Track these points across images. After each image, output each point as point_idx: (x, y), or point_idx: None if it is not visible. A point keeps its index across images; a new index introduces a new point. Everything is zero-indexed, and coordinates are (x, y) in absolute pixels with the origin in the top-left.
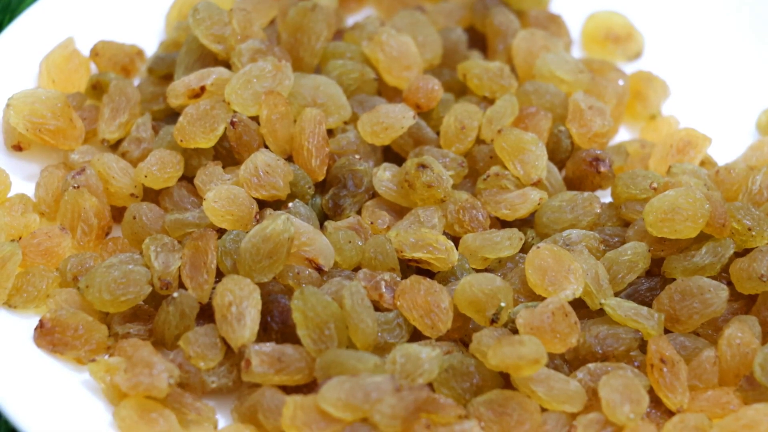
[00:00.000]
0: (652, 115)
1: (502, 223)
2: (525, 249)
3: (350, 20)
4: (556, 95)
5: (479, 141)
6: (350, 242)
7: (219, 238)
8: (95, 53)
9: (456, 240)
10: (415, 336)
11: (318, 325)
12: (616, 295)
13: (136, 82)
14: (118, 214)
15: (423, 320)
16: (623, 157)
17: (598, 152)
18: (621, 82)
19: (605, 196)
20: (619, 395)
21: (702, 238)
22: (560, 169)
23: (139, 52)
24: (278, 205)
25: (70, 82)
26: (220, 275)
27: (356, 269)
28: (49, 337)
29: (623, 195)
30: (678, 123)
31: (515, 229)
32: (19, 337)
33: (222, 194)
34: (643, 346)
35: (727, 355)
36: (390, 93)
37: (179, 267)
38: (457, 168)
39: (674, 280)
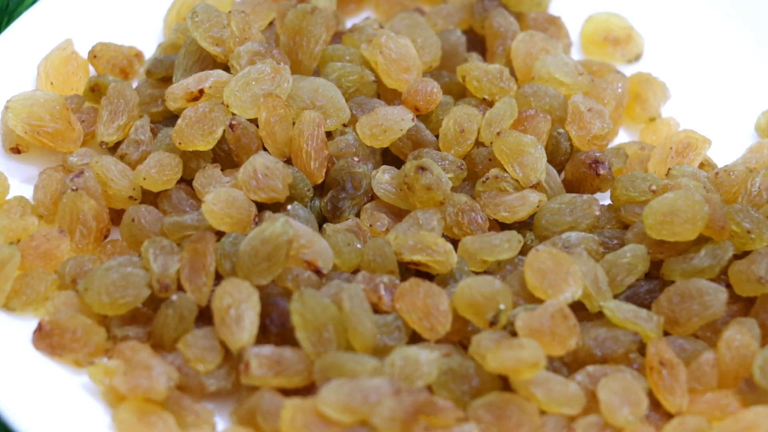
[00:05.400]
0: (652, 117)
1: (501, 226)
2: (524, 251)
3: (349, 23)
4: (556, 97)
5: (478, 143)
6: (349, 245)
7: (218, 240)
8: (93, 55)
9: (455, 242)
10: (414, 338)
11: (317, 328)
12: (616, 297)
13: (134, 84)
14: (116, 216)
15: (422, 323)
16: (622, 159)
17: (598, 155)
18: (620, 85)
19: (604, 199)
20: (618, 398)
21: (701, 241)
22: (559, 171)
23: (138, 54)
24: (277, 207)
25: (68, 84)
26: (219, 278)
27: (355, 272)
28: (47, 339)
29: (622, 197)
30: (677, 125)
31: (514, 232)
32: (18, 340)
33: (221, 197)
34: (642, 349)
35: (727, 358)
36: (389, 95)
37: (178, 269)
38: (456, 170)
39: (673, 282)
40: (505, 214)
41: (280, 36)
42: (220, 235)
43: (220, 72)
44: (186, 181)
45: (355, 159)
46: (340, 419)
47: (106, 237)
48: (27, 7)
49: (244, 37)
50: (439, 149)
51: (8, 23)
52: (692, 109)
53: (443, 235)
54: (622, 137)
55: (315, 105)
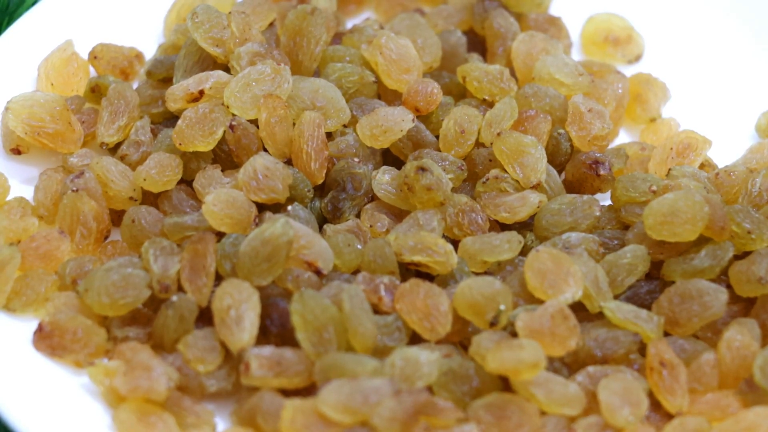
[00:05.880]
0: (652, 118)
1: (501, 226)
2: (524, 252)
3: (349, 23)
4: (556, 98)
5: (478, 144)
6: (349, 245)
7: (218, 241)
8: (94, 56)
9: (455, 243)
10: (415, 339)
11: (317, 329)
12: (616, 298)
13: (134, 85)
14: (117, 217)
15: (422, 323)
16: (623, 159)
17: (598, 155)
18: (620, 85)
19: (605, 199)
20: (618, 398)
21: (701, 241)
22: (560, 172)
23: (138, 55)
24: (277, 208)
25: (68, 85)
26: (219, 279)
27: (355, 272)
28: (47, 340)
29: (623, 198)
30: (678, 125)
31: (514, 232)
32: (18, 341)
33: (221, 197)
34: (642, 349)
35: (727, 358)
36: (389, 96)
37: (178, 270)
38: (456, 171)
39: (673, 283)
40: (505, 214)
41: (280, 37)
42: (220, 235)
43: (221, 73)
44: (186, 181)
45: (356, 160)
46: (341, 420)
47: (106, 238)
48: (27, 8)
49: (245, 37)
50: (439, 150)
51: (9, 24)
52: (693, 109)
53: (443, 236)
54: (622, 138)
55: (315, 106)
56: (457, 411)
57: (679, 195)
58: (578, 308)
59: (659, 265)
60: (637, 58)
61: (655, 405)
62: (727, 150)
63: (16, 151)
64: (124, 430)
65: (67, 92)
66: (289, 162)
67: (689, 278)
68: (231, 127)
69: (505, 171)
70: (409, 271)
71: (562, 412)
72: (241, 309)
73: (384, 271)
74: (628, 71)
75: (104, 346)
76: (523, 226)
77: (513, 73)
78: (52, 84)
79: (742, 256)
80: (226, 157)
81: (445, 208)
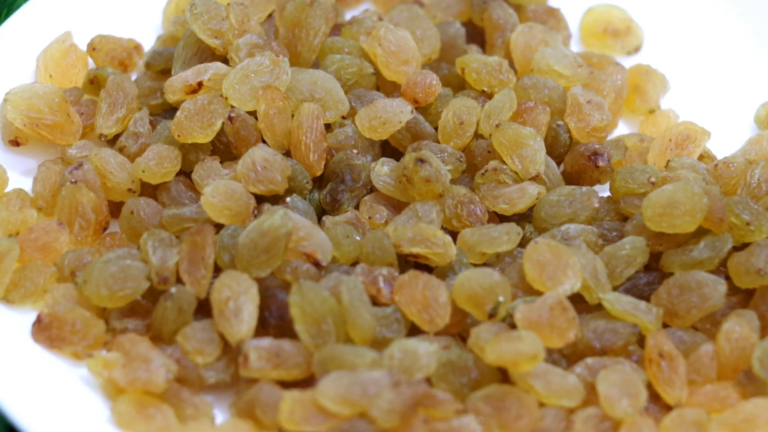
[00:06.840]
0: (651, 109)
1: (500, 218)
2: (523, 244)
3: (348, 15)
4: (555, 89)
5: (477, 135)
6: (348, 237)
7: (217, 233)
8: (93, 48)
9: (454, 235)
10: (413, 331)
11: (316, 320)
12: (615, 289)
13: (133, 76)
14: (115, 209)
15: (421, 315)
16: (622, 151)
17: (597, 146)
18: (620, 76)
19: (604, 191)
20: (617, 390)
21: (700, 233)
22: (558, 163)
23: (137, 47)
24: (276, 200)
25: (67, 76)
26: (217, 270)
27: (354, 264)
28: (46, 332)
29: (622, 189)
30: (677, 117)
31: (513, 224)
32: (17, 333)
33: (220, 189)
34: (641, 341)
35: (726, 350)
36: (388, 87)
37: (177, 262)
38: (455, 163)
39: (672, 274)
40: (504, 206)
41: (279, 28)
42: (219, 227)
43: (219, 64)
44: (185, 173)
45: (354, 151)
46: (339, 411)
47: (105, 229)
48: (26, 0)
49: (243, 29)
50: (438, 141)
51: (7, 15)
52: (692, 100)
53: (442, 228)
54: (621, 129)
55: (314, 97)
56: (455, 403)
57: (678, 186)
58: (577, 300)
59: (658, 256)
60: (636, 50)
61: (654, 396)
62: (726, 141)
63: (15, 143)
64: (122, 421)
65: (65, 84)
66: (287, 154)
67: (688, 270)
68: (230, 118)
69: (504, 162)
70: (407, 262)
71: (561, 404)
72: (239, 301)
73: (383, 263)
74: (627, 62)
75: (103, 337)
76: (521, 218)
77: (512, 65)
78: (50, 75)
79: (741, 247)
80: (224, 149)
81: (444, 200)
